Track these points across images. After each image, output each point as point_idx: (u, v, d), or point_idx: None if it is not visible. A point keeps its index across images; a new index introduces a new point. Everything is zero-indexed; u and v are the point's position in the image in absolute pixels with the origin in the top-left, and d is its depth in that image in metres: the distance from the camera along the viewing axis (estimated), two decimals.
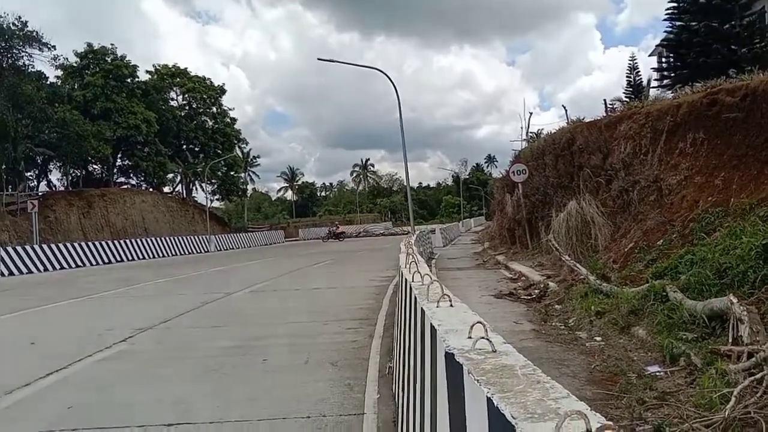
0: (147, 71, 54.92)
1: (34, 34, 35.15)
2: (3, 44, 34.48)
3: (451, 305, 2.95)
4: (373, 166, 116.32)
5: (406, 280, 4.58)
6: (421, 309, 3.03)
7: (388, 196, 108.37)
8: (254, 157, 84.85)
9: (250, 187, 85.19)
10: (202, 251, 42.51)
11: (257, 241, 53.92)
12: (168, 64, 58.53)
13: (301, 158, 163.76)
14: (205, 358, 6.80)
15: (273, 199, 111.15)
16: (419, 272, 4.37)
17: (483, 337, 2.04)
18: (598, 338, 7.00)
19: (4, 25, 34.14)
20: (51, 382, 5.90)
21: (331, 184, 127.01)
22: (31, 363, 6.85)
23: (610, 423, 1.13)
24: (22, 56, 35.85)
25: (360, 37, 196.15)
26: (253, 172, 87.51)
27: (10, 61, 35.51)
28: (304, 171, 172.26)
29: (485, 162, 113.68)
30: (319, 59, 22.47)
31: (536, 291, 11.27)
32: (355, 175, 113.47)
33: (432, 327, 2.51)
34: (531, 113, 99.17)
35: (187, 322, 9.57)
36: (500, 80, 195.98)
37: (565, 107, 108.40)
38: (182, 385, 5.65)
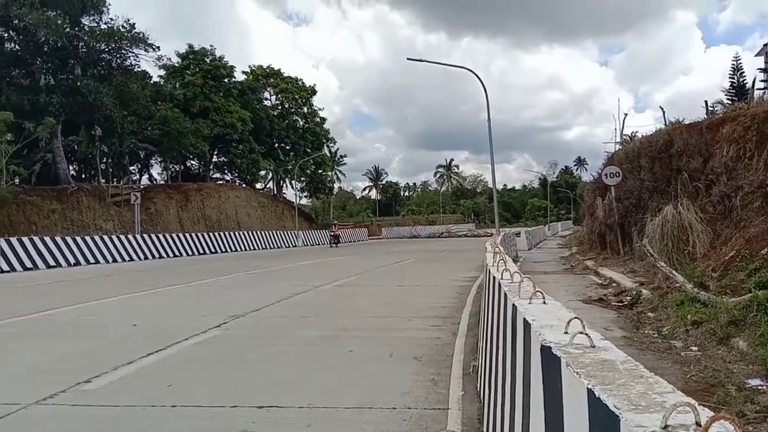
0: (243, 72, 57.14)
1: (141, 35, 37.37)
2: (113, 45, 36.88)
3: (545, 302, 2.92)
4: (457, 167, 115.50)
5: (494, 277, 4.56)
6: (513, 305, 3.01)
7: (472, 197, 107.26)
8: (341, 157, 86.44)
9: (336, 185, 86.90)
10: (290, 246, 43.77)
11: (341, 237, 54.87)
12: (263, 65, 60.64)
13: (386, 158, 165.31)
14: (293, 345, 7.03)
15: (357, 197, 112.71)
16: (508, 270, 4.34)
17: (581, 332, 2.03)
18: (694, 348, 6.67)
19: (115, 28, 36.53)
20: (152, 362, 6.28)
21: (414, 184, 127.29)
22: (134, 343, 7.32)
23: (725, 411, 1.11)
24: (130, 57, 38.23)
25: (447, 37, 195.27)
26: (340, 171, 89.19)
27: (118, 61, 37.95)
28: (388, 171, 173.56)
29: (574, 164, 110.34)
30: (408, 59, 22.62)
31: (628, 298, 10.85)
32: (438, 175, 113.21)
33: (525, 322, 2.50)
34: (626, 114, 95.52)
35: (277, 311, 9.92)
36: (592, 81, 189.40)
37: (662, 108, 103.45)
38: (272, 370, 5.87)
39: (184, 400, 4.76)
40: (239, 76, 54.44)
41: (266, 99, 60.77)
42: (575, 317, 2.24)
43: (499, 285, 3.96)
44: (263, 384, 5.30)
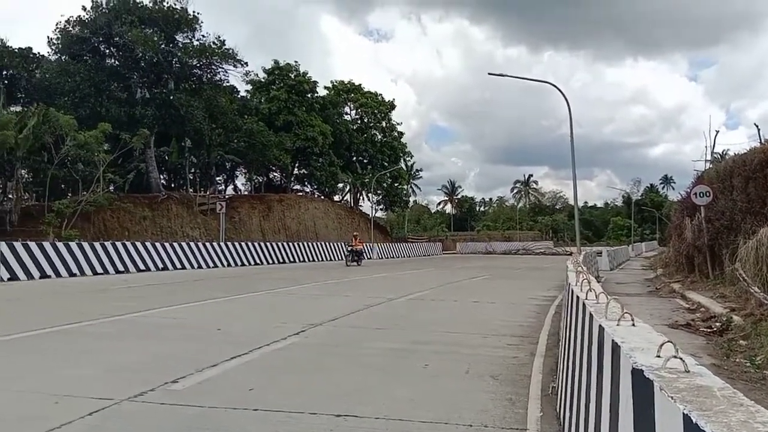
0: (325, 87, 58.57)
1: (230, 51, 39.14)
2: (204, 61, 38.80)
3: (633, 325, 2.83)
4: (536, 182, 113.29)
5: (577, 297, 4.45)
6: (599, 326, 2.94)
7: (550, 214, 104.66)
8: (417, 170, 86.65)
9: (411, 198, 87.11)
10: (366, 258, 44.16)
11: (416, 251, 54.94)
12: (344, 80, 61.96)
13: (462, 172, 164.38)
14: (369, 356, 7.10)
15: (432, 211, 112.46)
16: (593, 290, 4.23)
17: (675, 356, 1.96)
18: None
19: (206, 44, 38.40)
20: (235, 365, 6.50)
21: (490, 199, 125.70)
22: (218, 347, 7.59)
23: None
24: (219, 72, 40.12)
25: (527, 50, 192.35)
26: (415, 185, 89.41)
27: (209, 76, 39.88)
28: (463, 185, 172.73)
29: (660, 183, 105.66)
30: (490, 74, 22.55)
31: (717, 324, 10.27)
32: (516, 191, 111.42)
33: (614, 344, 2.44)
34: (717, 132, 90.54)
35: (353, 322, 10.04)
36: (680, 95, 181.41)
37: (757, 126, 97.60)
38: (349, 379, 5.95)
39: (265, 405, 4.89)
40: (321, 91, 55.89)
41: (346, 113, 62.00)
42: (668, 341, 2.17)
43: (584, 305, 3.87)
44: (340, 393, 5.38)
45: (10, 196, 29.41)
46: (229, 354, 6.91)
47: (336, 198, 64.23)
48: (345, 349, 7.63)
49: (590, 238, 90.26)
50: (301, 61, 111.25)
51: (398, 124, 65.47)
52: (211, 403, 4.96)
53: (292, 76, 51.07)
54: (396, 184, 67.21)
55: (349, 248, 32.35)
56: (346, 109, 62.22)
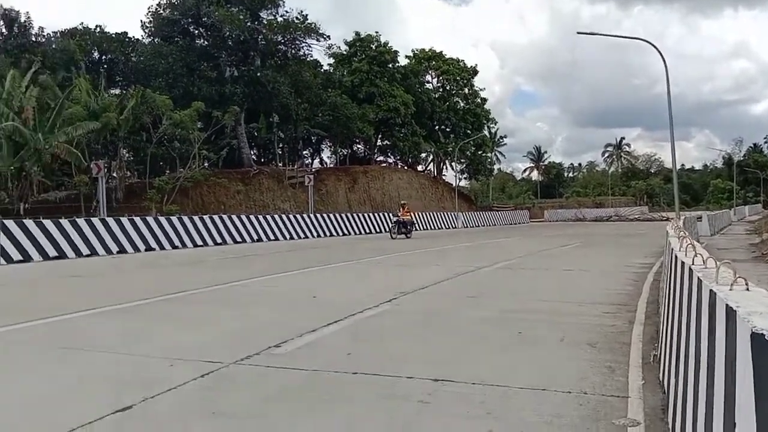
0: (406, 56, 58.14)
1: (313, 26, 39.56)
2: (288, 37, 39.47)
3: (748, 289, 2.71)
4: (628, 145, 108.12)
5: (682, 263, 4.27)
6: (710, 291, 2.82)
7: (644, 178, 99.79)
8: (501, 137, 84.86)
9: (496, 166, 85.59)
10: (450, 227, 44.09)
11: (502, 220, 54.22)
12: (425, 48, 61.21)
13: (548, 138, 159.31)
14: (461, 323, 7.16)
15: (518, 179, 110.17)
16: (700, 255, 4.06)
17: None
18: None
19: (289, 20, 39.00)
20: (332, 331, 6.73)
21: (579, 164, 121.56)
22: (315, 313, 7.88)
23: None
24: (303, 47, 40.71)
25: (616, 6, 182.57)
26: (500, 152, 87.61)
27: (293, 52, 40.56)
28: (550, 151, 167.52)
29: (765, 142, 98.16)
30: (578, 33, 21.64)
31: None
32: (607, 155, 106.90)
33: (728, 308, 2.34)
34: None
35: (443, 290, 10.12)
36: None
37: None
38: (443, 346, 6.03)
39: (363, 368, 5.06)
40: (402, 61, 55.53)
41: (428, 82, 61.38)
42: None
43: (690, 271, 3.72)
44: (435, 359, 5.47)
45: (114, 174, 31.39)
46: (325, 320, 7.16)
47: (419, 168, 64.16)
48: (437, 316, 7.72)
49: (688, 203, 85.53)
50: (382, 31, 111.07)
51: (481, 90, 64.24)
52: (312, 366, 5.18)
53: (374, 47, 51.03)
54: (480, 152, 66.21)
55: (395, 219, 28.40)
56: (428, 77, 61.61)
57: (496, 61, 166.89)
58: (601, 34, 23.98)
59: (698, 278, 3.33)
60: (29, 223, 17.60)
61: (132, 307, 8.59)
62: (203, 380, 4.81)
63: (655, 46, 20.84)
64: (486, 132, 68.32)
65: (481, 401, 4.20)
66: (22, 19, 34.81)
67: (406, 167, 59.43)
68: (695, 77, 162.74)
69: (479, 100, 63.67)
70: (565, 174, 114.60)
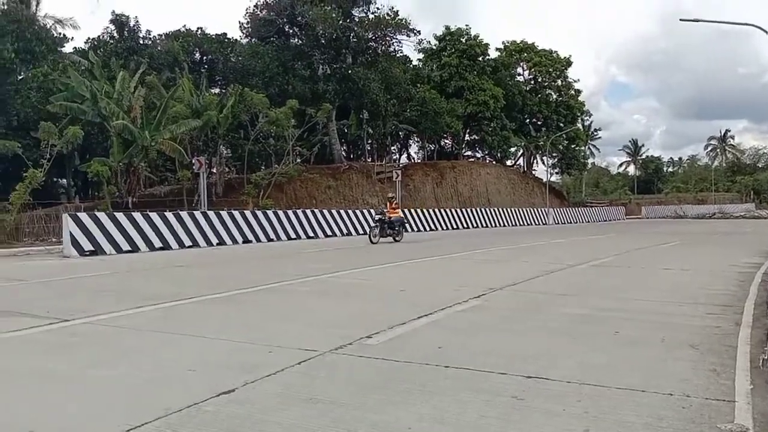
0: (496, 48, 57.22)
1: (403, 21, 39.76)
2: (379, 33, 39.86)
3: None
4: (732, 138, 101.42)
5: None
6: None
7: (751, 173, 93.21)
8: (595, 130, 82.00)
9: (589, 161, 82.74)
10: (540, 223, 43.15)
11: (595, 216, 52.46)
12: (516, 40, 59.99)
13: (645, 131, 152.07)
14: (553, 321, 7.02)
15: (612, 174, 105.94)
16: None
17: None
18: None
19: (380, 16, 39.37)
20: (422, 324, 6.80)
21: (680, 158, 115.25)
22: (404, 306, 7.99)
23: None
24: (393, 43, 41.00)
25: None
26: (594, 146, 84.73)
27: (383, 48, 40.93)
28: (648, 144, 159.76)
29: None
30: (681, 20, 20.46)
31: None
32: (710, 148, 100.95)
33: None
34: None
35: (534, 287, 9.96)
36: None
37: None
38: (535, 343, 5.95)
39: (454, 362, 5.09)
40: (492, 53, 54.70)
41: (519, 74, 60.13)
42: None
43: None
44: (527, 355, 5.42)
45: (214, 170, 32.93)
46: (415, 314, 7.24)
47: (508, 163, 63.06)
48: (528, 313, 7.62)
49: None
50: (472, 24, 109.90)
51: (575, 81, 62.19)
52: (404, 358, 5.27)
53: (463, 40, 50.56)
54: (573, 146, 64.19)
55: (378, 217, 21.57)
56: (519, 70, 60.32)
57: (590, 51, 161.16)
58: (706, 21, 22.58)
59: None
60: (137, 215, 18.86)
61: (233, 296, 9.05)
62: (300, 367, 5.01)
63: (765, 31, 19.38)
64: (579, 125, 66.16)
65: (577, 400, 4.13)
66: (131, 23, 37.16)
67: (494, 162, 58.58)
68: None
69: (573, 92, 61.67)
70: (664, 169, 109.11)
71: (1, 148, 23.27)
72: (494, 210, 40.28)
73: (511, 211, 41.87)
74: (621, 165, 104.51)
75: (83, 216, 17.44)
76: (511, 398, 4.17)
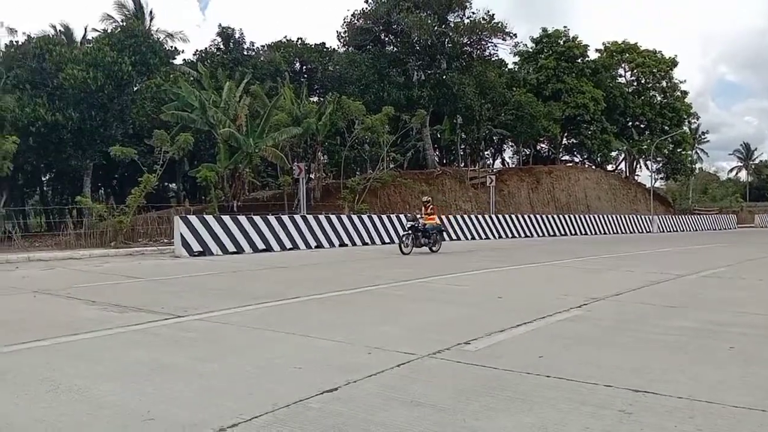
0: (596, 50, 55.39)
1: (499, 25, 39.32)
2: (474, 38, 39.64)
3: None
4: None
5: None
6: None
7: None
8: (703, 134, 77.21)
9: (697, 166, 77.98)
10: (644, 231, 41.23)
11: (704, 225, 49.50)
12: (617, 41, 57.77)
13: (758, 133, 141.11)
14: (662, 334, 6.71)
15: (722, 179, 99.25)
16: None
17: None
18: None
19: (476, 21, 39.13)
20: (521, 332, 6.71)
21: None
22: (502, 313, 7.92)
23: None
24: (488, 46, 40.65)
25: None
26: (701, 150, 79.78)
27: (478, 52, 40.66)
28: (761, 148, 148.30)
29: None
30: None
31: None
32: None
33: None
34: None
35: (639, 297, 9.54)
36: None
37: None
38: (642, 356, 5.72)
39: (556, 372, 5.00)
40: (592, 55, 52.96)
41: (620, 76, 57.81)
42: None
43: None
44: (633, 368, 5.22)
45: (312, 176, 33.93)
46: (513, 321, 7.16)
47: (609, 167, 60.68)
48: (633, 324, 7.33)
49: None
50: (570, 25, 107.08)
51: (681, 82, 58.95)
52: (503, 366, 5.23)
53: (561, 42, 49.30)
54: (678, 150, 60.83)
55: (409, 224, 19.33)
56: (620, 71, 57.96)
57: (696, 49, 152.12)
58: None
59: None
60: (242, 218, 19.78)
61: (332, 297, 9.32)
62: (399, 370, 5.09)
63: None
64: (686, 128, 62.63)
65: (689, 416, 3.95)
66: (236, 35, 39.05)
67: (594, 167, 56.56)
68: None
69: (678, 94, 58.53)
70: None
71: (119, 155, 25.09)
72: (594, 217, 38.92)
73: (612, 218, 40.28)
74: (731, 170, 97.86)
75: (193, 218, 18.52)
76: (618, 412, 4.05)
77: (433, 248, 19.22)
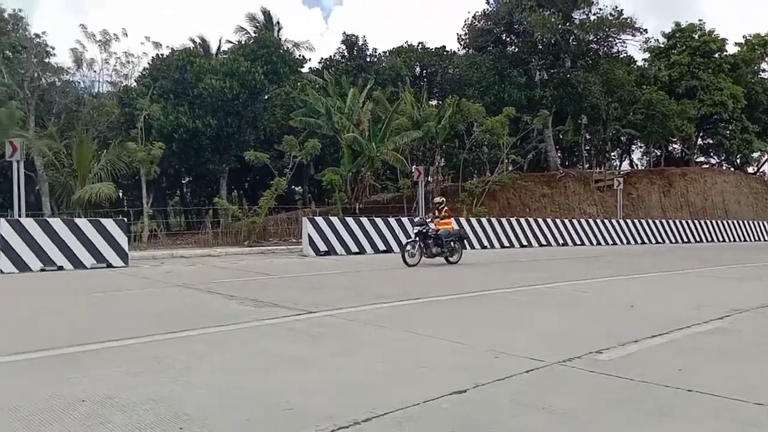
0: (736, 43, 51.12)
1: (628, 20, 37.47)
2: (601, 35, 38.05)
3: None
4: None
5: None
6: None
7: None
8: None
9: None
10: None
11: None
12: (760, 33, 52.95)
13: None
14: None
15: None
16: None
17: None
18: None
19: (603, 17, 37.56)
20: (656, 344, 6.42)
21: None
22: (634, 323, 7.60)
23: None
24: (616, 43, 38.87)
25: None
26: None
27: (605, 50, 38.99)
28: None
29: None
30: None
31: None
32: None
33: None
34: None
35: None
36: None
37: None
38: None
39: (698, 387, 4.76)
40: (731, 49, 48.93)
41: (763, 71, 52.96)
42: None
43: None
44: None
45: (431, 179, 34.13)
46: (648, 332, 6.86)
47: (750, 170, 55.79)
48: None
49: None
50: (706, 18, 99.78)
51: None
52: (640, 377, 5.04)
53: (696, 36, 45.99)
54: None
55: (417, 229, 16.15)
56: (763, 65, 53.07)
57: None
58: None
59: None
60: (364, 220, 20.39)
61: (453, 299, 9.44)
62: (528, 375, 5.07)
63: None
64: None
65: None
66: (360, 42, 40.10)
67: (732, 168, 52.27)
68: None
69: None
70: None
71: (253, 159, 26.66)
72: (733, 222, 36.05)
73: (753, 224, 37.12)
74: None
75: (319, 220, 19.37)
76: None
77: (451, 259, 16.19)
